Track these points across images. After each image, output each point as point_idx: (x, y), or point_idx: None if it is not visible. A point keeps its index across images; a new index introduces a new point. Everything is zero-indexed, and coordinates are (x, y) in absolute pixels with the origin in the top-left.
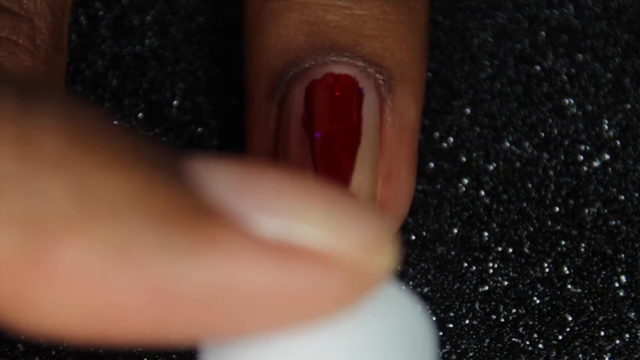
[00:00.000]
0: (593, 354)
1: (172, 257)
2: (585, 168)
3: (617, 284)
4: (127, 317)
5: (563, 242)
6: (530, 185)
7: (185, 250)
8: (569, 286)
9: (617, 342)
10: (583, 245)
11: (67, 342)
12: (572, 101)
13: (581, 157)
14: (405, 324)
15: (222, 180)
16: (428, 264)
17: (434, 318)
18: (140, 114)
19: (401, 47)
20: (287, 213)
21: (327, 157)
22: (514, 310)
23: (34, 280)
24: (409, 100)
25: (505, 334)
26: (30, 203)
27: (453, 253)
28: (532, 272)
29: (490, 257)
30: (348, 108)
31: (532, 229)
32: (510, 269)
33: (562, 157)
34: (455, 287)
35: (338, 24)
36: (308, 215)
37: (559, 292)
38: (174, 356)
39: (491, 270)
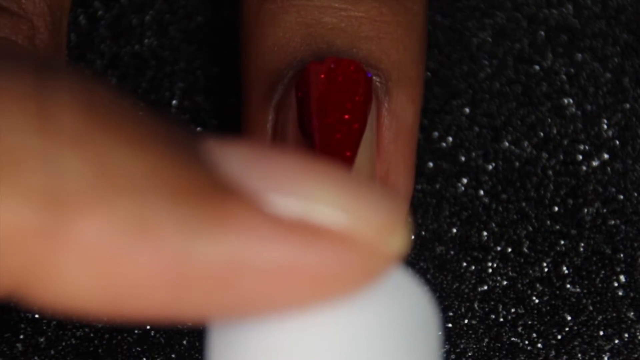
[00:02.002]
0: (592, 353)
1: (189, 232)
2: (584, 168)
3: (616, 284)
4: (143, 291)
5: (562, 242)
6: (529, 185)
7: (201, 226)
8: (568, 286)
9: (616, 341)
10: (582, 244)
11: (83, 316)
12: (571, 101)
13: (580, 157)
14: (411, 307)
15: (239, 160)
16: (427, 264)
17: None
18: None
19: (398, 49)
20: (302, 192)
21: (327, 147)
22: (513, 310)
23: (52, 252)
24: (407, 102)
25: (504, 334)
26: (49, 176)
27: (452, 253)
28: (531, 271)
29: (489, 257)
30: (350, 94)
31: (531, 228)
32: (509, 268)
33: (561, 157)
34: (454, 286)
35: (335, 26)
36: (324, 194)
37: (558, 292)
38: (173, 355)
39: (490, 270)
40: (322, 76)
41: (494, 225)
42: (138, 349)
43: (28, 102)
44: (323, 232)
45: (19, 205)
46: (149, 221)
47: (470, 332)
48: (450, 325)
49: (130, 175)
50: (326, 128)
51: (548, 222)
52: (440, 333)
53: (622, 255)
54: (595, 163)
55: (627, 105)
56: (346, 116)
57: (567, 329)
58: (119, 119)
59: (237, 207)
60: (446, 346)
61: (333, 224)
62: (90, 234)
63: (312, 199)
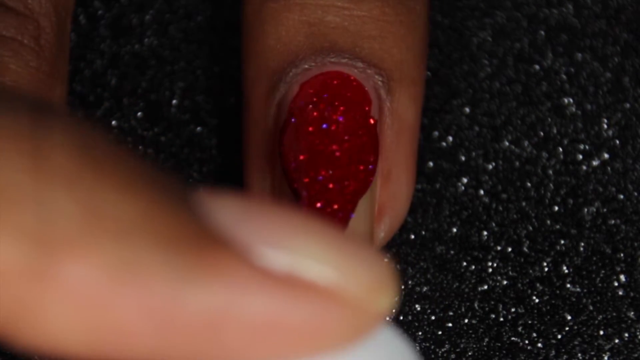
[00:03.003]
0: (592, 353)
1: (177, 280)
2: (584, 167)
3: (616, 283)
4: (129, 337)
5: (562, 242)
6: (529, 185)
7: (190, 274)
8: (568, 285)
9: (616, 341)
10: (582, 244)
11: (68, 358)
12: (571, 100)
13: (580, 156)
14: None
15: (229, 211)
16: (427, 263)
17: (433, 317)
18: (139, 113)
19: (400, 48)
20: (292, 246)
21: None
22: (513, 310)
23: (38, 293)
24: (408, 101)
25: (504, 333)
26: (40, 217)
27: (452, 252)
28: (531, 271)
29: (490, 257)
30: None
31: (531, 228)
32: (510, 268)
33: (561, 157)
34: (455, 286)
35: (337, 25)
36: (313, 250)
37: (558, 292)
38: None
39: (490, 270)
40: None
41: (494, 224)
42: None
43: (22, 141)
44: (311, 288)
45: (8, 244)
46: (137, 267)
47: (471, 331)
48: (450, 324)
49: (121, 220)
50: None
51: (548, 222)
52: None
53: (622, 254)
54: (595, 163)
55: (627, 105)
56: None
57: (567, 328)
58: (112, 163)
59: (226, 258)
60: (446, 346)
61: (321, 280)
62: (78, 277)
63: (301, 253)
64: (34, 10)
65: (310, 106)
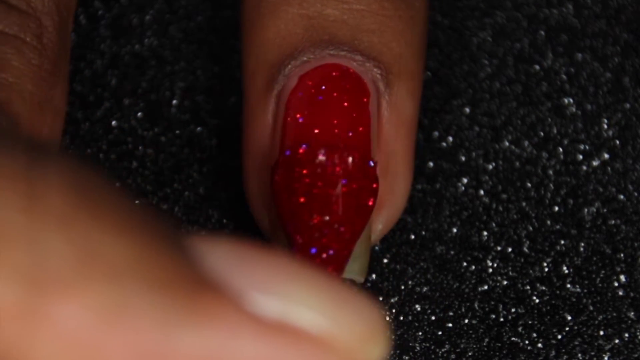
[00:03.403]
0: (592, 353)
1: (168, 323)
2: (584, 167)
3: (616, 284)
4: None
5: (562, 242)
6: (529, 185)
7: (181, 318)
8: (568, 285)
9: (616, 341)
10: (582, 244)
11: None
12: (571, 100)
13: (580, 157)
14: None
15: (222, 257)
16: (427, 263)
17: (433, 317)
18: (139, 113)
19: (399, 43)
20: (284, 293)
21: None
22: (513, 310)
23: (29, 333)
24: (407, 95)
25: (504, 333)
26: (32, 256)
27: (452, 252)
28: (531, 271)
29: (490, 257)
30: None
31: (531, 228)
32: (510, 268)
33: (562, 157)
34: (455, 286)
35: (336, 18)
36: (306, 297)
37: (558, 292)
38: None
39: (490, 270)
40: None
41: (494, 225)
42: None
43: (18, 181)
44: (302, 335)
45: (0, 283)
46: (128, 309)
47: (471, 331)
48: (450, 325)
49: (114, 262)
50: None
51: (548, 222)
52: None
53: (622, 255)
54: (595, 163)
55: (627, 105)
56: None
57: (567, 328)
58: (106, 205)
59: (218, 302)
60: (446, 346)
61: (313, 327)
62: (69, 318)
63: (293, 300)
64: (36, 9)
65: (304, 146)
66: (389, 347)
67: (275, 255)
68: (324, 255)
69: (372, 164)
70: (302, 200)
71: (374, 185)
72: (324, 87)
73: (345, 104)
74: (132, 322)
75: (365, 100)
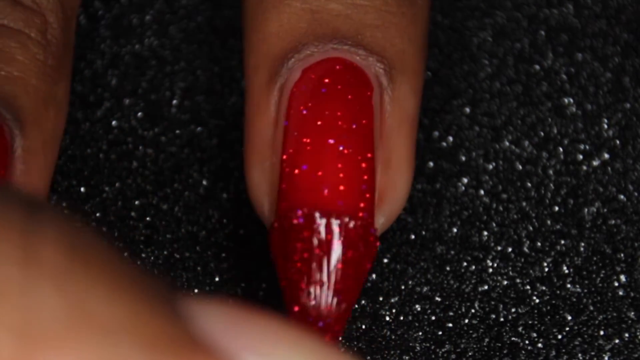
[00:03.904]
0: (592, 353)
1: None
2: (584, 167)
3: (616, 284)
4: None
5: (562, 242)
6: (529, 185)
7: None
8: (569, 285)
9: (617, 341)
10: (582, 244)
11: None
12: (571, 100)
13: (580, 157)
14: None
15: (214, 317)
16: (427, 263)
17: (434, 317)
18: (139, 114)
19: (402, 39)
20: (274, 355)
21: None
22: (513, 310)
23: None
24: (409, 91)
25: (504, 334)
26: (25, 310)
27: (452, 252)
28: (531, 271)
29: (490, 257)
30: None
31: (531, 228)
32: (510, 268)
33: (562, 157)
34: (455, 286)
35: (340, 12)
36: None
37: (558, 292)
38: None
39: (490, 270)
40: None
41: (494, 225)
42: None
43: (14, 234)
44: None
45: None
46: None
47: (471, 331)
48: (450, 325)
49: (106, 319)
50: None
51: (548, 222)
52: None
53: (622, 255)
54: (595, 163)
55: (628, 105)
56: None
57: (567, 328)
58: (101, 262)
59: None
60: (447, 346)
61: None
62: None
63: None
64: (41, 5)
65: (300, 212)
66: None
67: (267, 317)
68: (321, 324)
69: (373, 231)
70: (298, 265)
71: (374, 251)
72: (327, 80)
73: (349, 96)
74: None
75: (369, 93)
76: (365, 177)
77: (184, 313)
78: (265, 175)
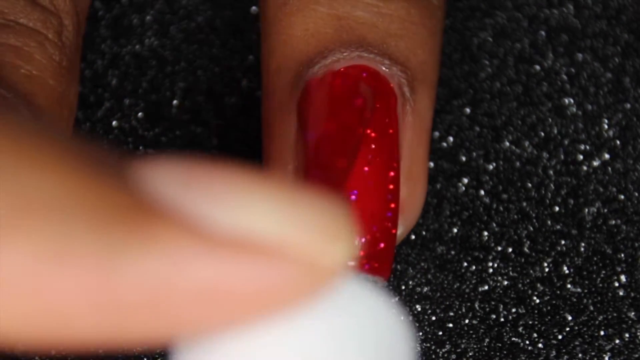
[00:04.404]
0: (593, 353)
1: (111, 254)
2: (585, 167)
3: (616, 284)
4: (69, 318)
5: (563, 242)
6: (530, 185)
7: (124, 248)
8: (569, 286)
9: (617, 341)
10: (583, 244)
11: (12, 347)
12: (571, 101)
13: (581, 157)
14: (373, 320)
15: (168, 178)
16: (428, 264)
17: (434, 317)
18: (140, 114)
19: (424, 50)
20: (234, 206)
21: (318, 160)
22: (513, 310)
23: None
24: (429, 102)
25: (505, 334)
26: None
27: (453, 252)
28: (531, 271)
29: (490, 257)
30: (347, 102)
31: (531, 228)
32: (510, 268)
33: (562, 157)
34: (455, 286)
35: (366, 20)
36: (257, 207)
37: (558, 292)
38: None
39: (491, 270)
40: (318, 91)
41: (494, 225)
42: (138, 348)
43: None
44: (255, 247)
45: None
46: (68, 246)
47: (471, 332)
48: (450, 325)
49: (48, 201)
50: (318, 140)
51: (549, 222)
52: (411, 347)
53: (622, 255)
54: (596, 163)
55: (628, 105)
56: (341, 125)
57: (567, 329)
58: (36, 143)
59: (164, 226)
60: (447, 346)
61: (265, 237)
62: (8, 265)
63: (244, 211)
64: (58, 7)
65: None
66: (356, 243)
67: (222, 168)
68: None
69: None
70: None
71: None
72: (354, 87)
73: (377, 105)
74: (72, 260)
75: (393, 102)
76: (391, 187)
77: (135, 179)
78: (287, 179)
